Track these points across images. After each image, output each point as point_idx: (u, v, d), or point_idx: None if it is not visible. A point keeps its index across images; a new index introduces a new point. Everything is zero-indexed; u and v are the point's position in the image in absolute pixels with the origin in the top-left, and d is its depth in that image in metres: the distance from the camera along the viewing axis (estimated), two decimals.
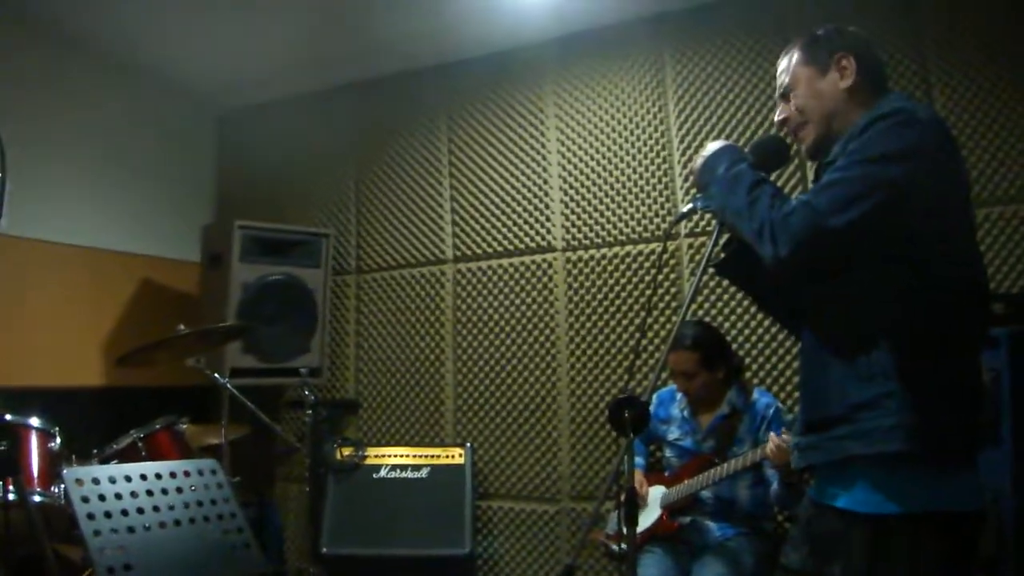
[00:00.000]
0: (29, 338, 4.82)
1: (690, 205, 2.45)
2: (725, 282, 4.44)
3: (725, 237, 2.45)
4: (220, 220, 6.28)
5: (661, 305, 4.74)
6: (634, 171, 4.91)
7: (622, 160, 4.96)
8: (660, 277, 4.75)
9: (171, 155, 6.25)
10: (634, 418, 2.23)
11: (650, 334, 4.77)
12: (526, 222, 5.17)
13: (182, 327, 4.06)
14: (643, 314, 4.76)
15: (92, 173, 5.55)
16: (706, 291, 4.58)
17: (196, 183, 6.52)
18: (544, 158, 5.19)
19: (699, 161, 2.37)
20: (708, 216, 3.99)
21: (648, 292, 4.76)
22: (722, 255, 2.49)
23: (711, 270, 2.52)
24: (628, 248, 4.88)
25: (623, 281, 4.87)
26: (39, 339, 4.94)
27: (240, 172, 6.48)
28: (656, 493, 3.97)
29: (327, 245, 5.61)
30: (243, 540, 2.97)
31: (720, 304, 4.57)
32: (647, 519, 3.88)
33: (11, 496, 3.35)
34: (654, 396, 4.15)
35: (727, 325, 4.52)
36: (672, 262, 4.73)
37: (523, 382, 5.11)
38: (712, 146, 2.37)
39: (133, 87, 5.89)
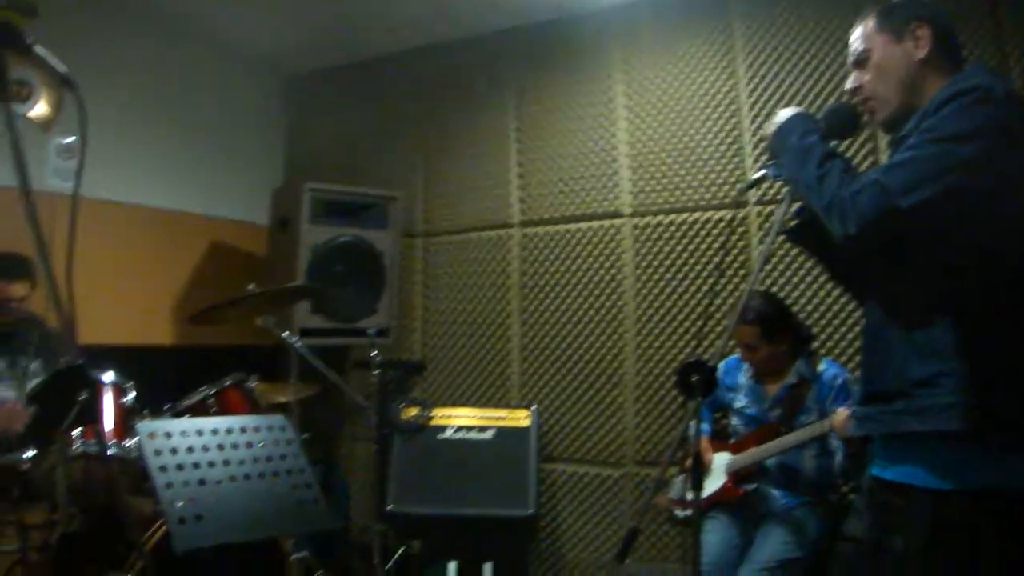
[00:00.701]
0: (103, 297, 4.95)
1: (761, 172, 2.46)
2: (796, 250, 4.42)
3: (796, 205, 2.46)
4: (289, 183, 6.37)
5: (729, 272, 4.73)
6: (703, 137, 4.89)
7: (691, 126, 4.94)
8: (728, 244, 4.73)
9: (241, 119, 6.37)
10: (702, 382, 2.26)
11: (717, 301, 4.77)
12: (594, 187, 5.19)
13: (252, 286, 4.14)
14: (711, 280, 4.75)
15: (165, 138, 5.69)
16: (775, 259, 4.55)
17: (266, 147, 6.63)
18: (612, 124, 5.19)
19: (771, 128, 2.38)
20: (779, 184, 3.99)
21: (716, 259, 4.75)
22: (793, 222, 2.50)
23: (781, 237, 2.53)
24: (696, 215, 4.86)
25: (691, 247, 4.87)
26: (113, 299, 5.07)
27: (309, 135, 6.59)
28: (721, 460, 3.99)
29: (395, 208, 5.68)
30: (312, 496, 3.02)
31: (789, 273, 4.55)
32: (712, 486, 3.91)
33: (85, 449, 3.49)
34: (721, 363, 4.17)
35: (796, 294, 4.51)
36: (741, 229, 4.71)
37: (589, 346, 5.14)
38: (784, 113, 2.38)
39: (204, 52, 6.02)
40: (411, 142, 6.02)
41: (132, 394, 3.88)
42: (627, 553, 4.19)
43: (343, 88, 6.40)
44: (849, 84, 2.35)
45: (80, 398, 1.71)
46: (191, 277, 5.89)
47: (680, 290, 4.88)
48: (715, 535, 3.79)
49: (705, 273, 4.81)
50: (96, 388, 3.18)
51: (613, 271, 5.08)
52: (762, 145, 4.48)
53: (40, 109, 1.76)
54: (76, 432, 3.44)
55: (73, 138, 5.08)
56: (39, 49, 1.87)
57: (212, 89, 6.09)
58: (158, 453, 2.80)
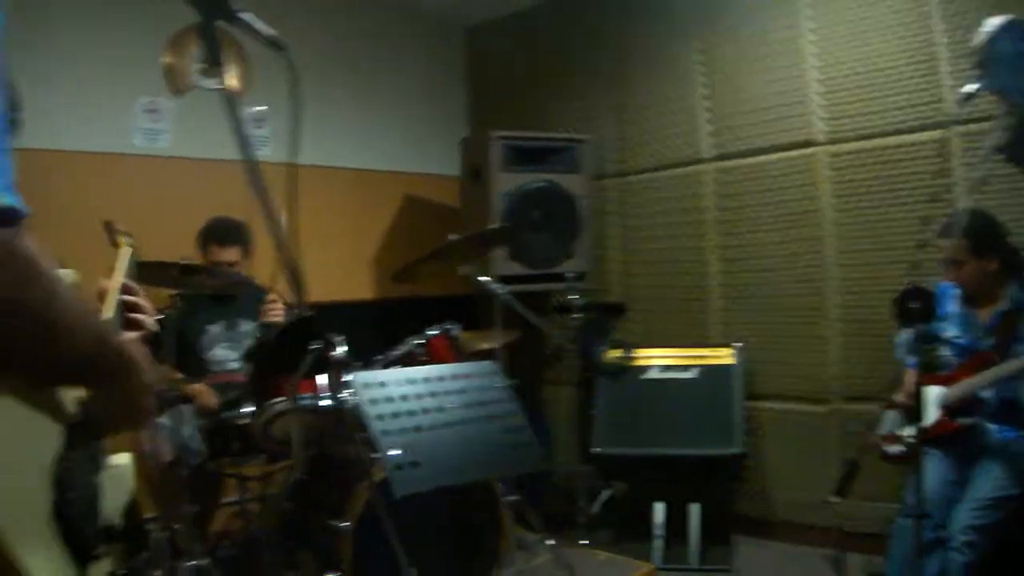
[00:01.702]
0: (308, 258, 5.21)
1: (974, 86, 2.40)
2: (1010, 169, 4.24)
3: (1010, 119, 2.40)
4: (477, 133, 6.51)
5: (935, 197, 4.58)
6: (895, 57, 4.69)
7: (882, 46, 4.74)
8: (931, 167, 4.58)
9: (425, 74, 6.59)
10: (921, 309, 2.24)
11: (922, 227, 4.63)
12: (785, 117, 5.08)
13: (453, 235, 4.28)
14: (915, 206, 4.62)
15: (354, 99, 5.99)
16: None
17: (451, 99, 6.82)
18: (800, 49, 5.04)
19: (980, 39, 2.32)
20: (986, 100, 3.84)
21: (919, 183, 4.61)
22: (1007, 139, 2.44)
23: (996, 155, 2.47)
24: (894, 139, 4.71)
25: (890, 173, 4.72)
26: (317, 258, 5.33)
27: (493, 83, 6.73)
28: (934, 393, 3.90)
29: (586, 150, 5.74)
30: (524, 438, 3.14)
31: (1002, 196, 4.36)
32: (925, 420, 3.84)
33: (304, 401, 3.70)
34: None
35: (1007, 217, 4.31)
36: (945, 150, 4.55)
37: (790, 280, 5.09)
38: (993, 22, 2.32)
39: (386, 13, 6.27)
40: (596, 83, 6.05)
41: (343, 348, 4.07)
42: (847, 488, 4.20)
43: (522, 35, 6.49)
44: None
45: (311, 349, 1.85)
46: (388, 232, 6.16)
47: (881, 218, 4.75)
48: (930, 471, 3.72)
49: (908, 198, 4.67)
50: (326, 340, 3.34)
51: (810, 201, 4.99)
52: (965, 59, 4.31)
53: (230, 82, 1.88)
54: (296, 385, 3.65)
55: (263, 107, 5.36)
56: (245, 15, 1.99)
57: (396, 48, 6.31)
58: (374, 403, 2.97)
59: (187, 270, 3.89)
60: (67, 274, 1.41)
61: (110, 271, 1.81)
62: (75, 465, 1.22)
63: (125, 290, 1.72)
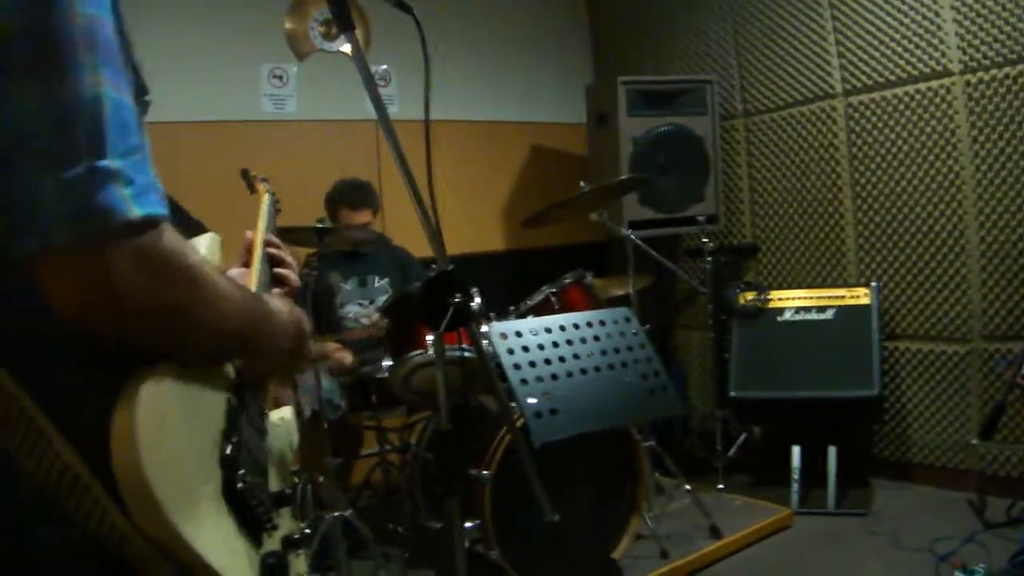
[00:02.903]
0: (441, 212, 5.32)
1: None
2: None
3: None
4: (601, 79, 6.56)
5: None
6: None
7: None
8: None
9: (546, 22, 6.65)
10: None
11: None
12: (917, 46, 4.92)
13: (583, 184, 4.32)
14: None
15: (477, 52, 6.11)
16: None
17: (572, 46, 6.87)
18: None
19: None
20: None
21: None
22: None
23: None
24: None
25: None
26: (449, 212, 5.46)
27: (614, 29, 6.71)
28: None
29: (711, 91, 5.75)
30: (660, 383, 3.20)
31: None
32: None
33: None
34: None
35: None
36: None
37: (927, 216, 4.98)
38: None
39: None
40: (719, 22, 6.00)
41: (478, 299, 4.14)
42: (994, 429, 4.13)
43: None
44: None
45: (454, 301, 1.92)
46: (516, 182, 6.25)
47: (1022, 149, 4.59)
48: None
49: None
50: (467, 292, 3.43)
51: (947, 134, 4.85)
52: None
53: (353, 43, 1.93)
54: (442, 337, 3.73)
55: (384, 67, 5.48)
56: None
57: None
58: (511, 352, 3.05)
59: (322, 233, 4.01)
60: (212, 238, 1.50)
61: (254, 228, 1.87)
62: (243, 438, 1.30)
63: (269, 244, 1.79)
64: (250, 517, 1.24)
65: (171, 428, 1.08)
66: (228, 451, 1.22)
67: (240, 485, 1.21)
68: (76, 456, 1.00)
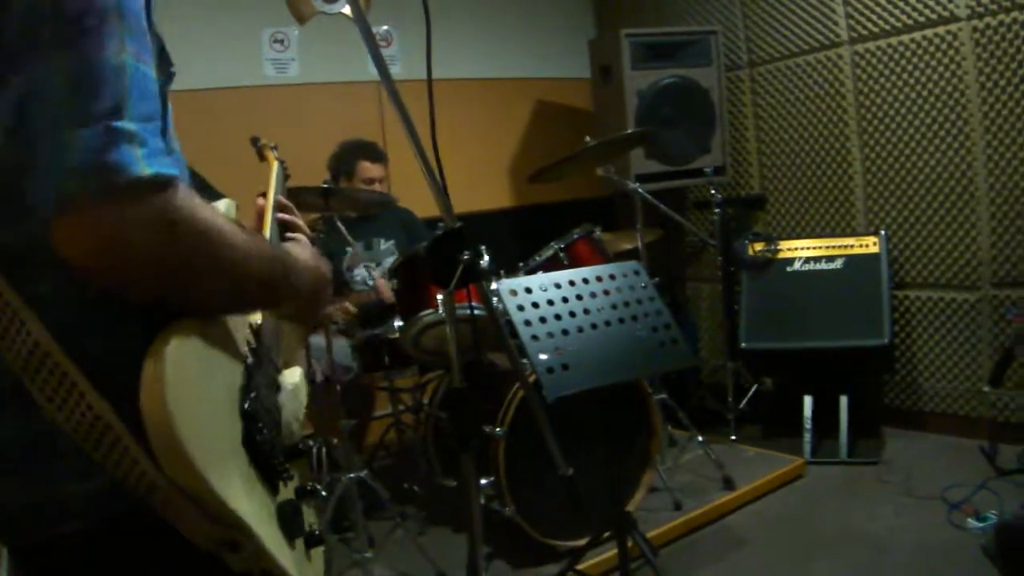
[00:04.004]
0: (446, 171, 5.36)
1: None
2: None
3: None
4: (604, 32, 6.54)
5: None
6: None
7: None
8: None
9: None
10: None
11: None
12: None
13: (589, 139, 4.34)
14: None
15: (478, 9, 6.02)
16: None
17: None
18: None
19: None
20: None
21: None
22: None
23: None
24: None
25: None
26: (454, 170, 5.48)
27: None
28: None
29: (715, 42, 5.74)
30: (671, 336, 3.21)
31: None
32: None
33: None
34: None
35: None
36: None
37: (935, 164, 4.99)
38: None
39: None
40: None
41: (486, 257, 4.16)
42: (1001, 377, 4.18)
43: None
44: None
45: (463, 259, 1.96)
46: (521, 138, 6.28)
47: None
48: None
49: None
50: (476, 249, 3.48)
51: (955, 81, 4.84)
52: None
53: (352, 5, 1.95)
54: (440, 297, 3.77)
55: (385, 27, 5.50)
56: None
57: None
58: (521, 308, 3.08)
59: (328, 194, 4.04)
60: (229, 203, 1.55)
61: (264, 194, 1.91)
62: (260, 393, 1.36)
63: (281, 208, 1.83)
64: (267, 467, 1.30)
65: (197, 381, 1.14)
66: (247, 405, 1.28)
67: (259, 437, 1.27)
68: (107, 407, 1.05)
